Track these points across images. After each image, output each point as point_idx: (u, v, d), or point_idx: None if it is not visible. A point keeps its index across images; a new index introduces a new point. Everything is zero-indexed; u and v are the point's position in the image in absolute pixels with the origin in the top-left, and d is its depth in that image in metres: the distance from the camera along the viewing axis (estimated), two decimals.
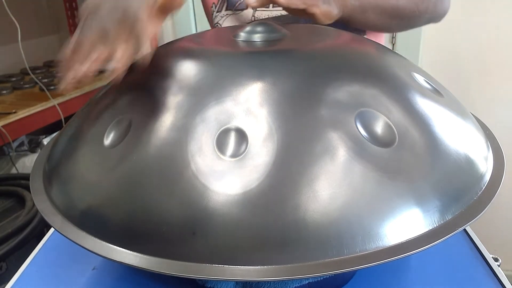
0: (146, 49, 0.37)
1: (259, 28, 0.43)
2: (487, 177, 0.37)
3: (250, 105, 0.34)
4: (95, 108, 0.41)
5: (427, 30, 1.29)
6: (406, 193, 0.31)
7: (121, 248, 0.32)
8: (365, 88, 0.36)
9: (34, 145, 1.54)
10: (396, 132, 0.34)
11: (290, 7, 0.49)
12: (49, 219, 0.35)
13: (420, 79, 0.41)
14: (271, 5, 0.67)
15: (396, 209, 0.31)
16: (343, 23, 0.57)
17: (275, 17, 0.67)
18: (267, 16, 0.68)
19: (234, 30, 0.45)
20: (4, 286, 0.45)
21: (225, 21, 0.70)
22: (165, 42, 0.50)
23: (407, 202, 0.31)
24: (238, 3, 0.68)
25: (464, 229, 0.51)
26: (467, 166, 0.36)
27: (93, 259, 0.47)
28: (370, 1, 0.58)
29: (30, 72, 1.48)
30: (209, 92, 0.35)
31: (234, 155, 0.31)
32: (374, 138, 0.33)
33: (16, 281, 0.46)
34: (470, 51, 1.38)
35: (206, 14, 0.76)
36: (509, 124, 1.39)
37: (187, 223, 0.30)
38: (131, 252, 0.31)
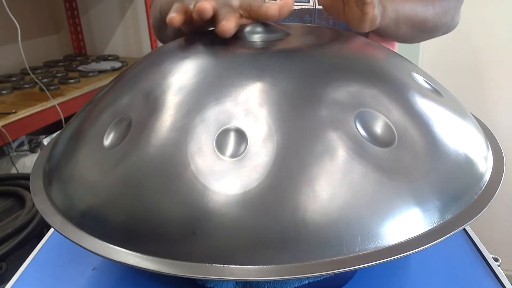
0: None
1: (259, 28, 0.43)
2: (486, 177, 0.37)
3: (250, 106, 0.34)
4: (95, 108, 0.41)
5: None
6: (406, 193, 0.31)
7: (121, 248, 0.32)
8: (364, 88, 0.36)
9: (34, 145, 1.54)
10: (395, 132, 0.34)
11: None
12: (49, 219, 0.35)
13: (419, 79, 0.41)
14: None
15: (395, 208, 0.31)
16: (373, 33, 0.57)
17: None
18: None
19: None
20: (4, 286, 0.45)
21: None
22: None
23: (406, 202, 0.31)
24: None
25: (464, 229, 0.51)
26: (467, 166, 0.36)
27: (93, 259, 0.47)
28: (404, 14, 0.58)
29: (30, 72, 1.48)
30: (208, 92, 0.35)
31: (233, 156, 0.31)
32: (373, 138, 0.33)
33: (16, 281, 0.46)
34: (470, 51, 1.39)
35: None
36: (509, 124, 1.40)
37: (186, 223, 0.30)
38: (131, 252, 0.31)
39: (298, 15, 0.67)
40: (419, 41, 0.69)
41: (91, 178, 0.35)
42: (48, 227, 0.44)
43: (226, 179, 0.31)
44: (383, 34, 0.60)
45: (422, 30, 0.64)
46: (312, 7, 0.67)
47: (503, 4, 1.32)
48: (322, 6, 0.52)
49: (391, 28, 0.57)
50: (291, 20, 0.68)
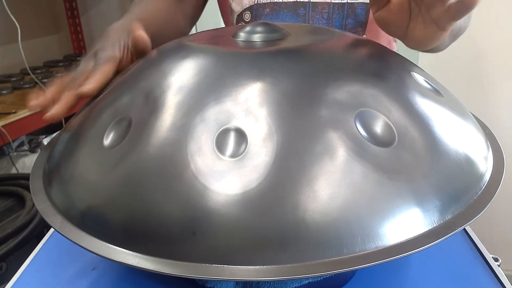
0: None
1: (259, 28, 0.43)
2: (487, 177, 0.37)
3: (250, 105, 0.34)
4: (95, 108, 0.41)
5: None
6: (406, 193, 0.31)
7: (121, 248, 0.32)
8: (364, 88, 0.36)
9: (34, 145, 1.54)
10: (395, 132, 0.34)
11: None
12: (49, 220, 0.35)
13: (420, 79, 0.41)
14: None
15: (395, 208, 0.31)
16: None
17: (276, 2, 0.68)
18: (268, 1, 0.68)
19: (233, 30, 0.45)
20: (4, 286, 0.45)
21: (234, 1, 0.71)
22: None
23: (406, 202, 0.31)
24: None
25: (464, 229, 0.51)
26: (467, 166, 0.36)
27: (93, 259, 0.47)
28: (455, 28, 0.52)
29: (30, 72, 1.48)
30: (208, 92, 0.35)
31: (233, 155, 0.31)
32: (373, 138, 0.33)
33: (16, 281, 0.46)
34: (470, 50, 1.39)
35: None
36: (509, 124, 1.40)
37: (186, 223, 0.30)
38: (131, 252, 0.31)
39: (293, 8, 0.68)
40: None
41: (91, 178, 0.35)
42: (48, 227, 0.43)
43: (226, 179, 0.31)
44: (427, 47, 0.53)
45: (454, 38, 0.60)
46: (307, 0, 0.67)
47: (504, 4, 1.32)
48: (376, 20, 0.46)
49: (440, 43, 0.50)
50: (285, 13, 0.68)
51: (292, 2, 0.67)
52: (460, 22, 0.56)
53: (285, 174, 0.30)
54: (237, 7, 0.71)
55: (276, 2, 0.68)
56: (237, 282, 0.40)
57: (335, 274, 0.31)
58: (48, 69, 1.72)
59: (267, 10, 0.68)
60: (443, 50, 0.62)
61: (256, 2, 0.69)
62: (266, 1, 0.68)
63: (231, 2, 0.72)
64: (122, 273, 0.46)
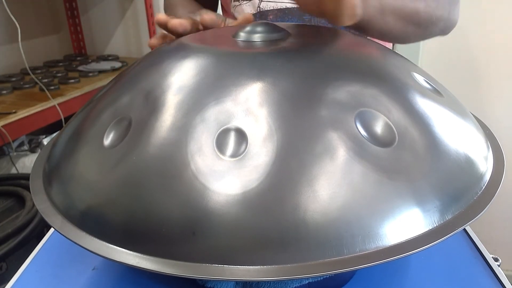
0: None
1: (259, 28, 0.43)
2: (487, 177, 0.37)
3: (250, 105, 0.34)
4: (95, 108, 0.41)
5: None
6: (406, 193, 0.31)
7: (121, 248, 0.32)
8: (365, 88, 0.36)
9: (34, 145, 1.54)
10: (396, 132, 0.34)
11: None
12: (49, 219, 0.35)
13: (420, 79, 0.41)
14: None
15: (396, 209, 0.31)
16: (357, 29, 0.52)
17: (280, 9, 0.67)
18: (272, 8, 0.68)
19: (234, 30, 0.45)
20: (4, 286, 0.45)
21: (235, 10, 0.71)
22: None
23: (406, 202, 0.31)
24: None
25: (464, 229, 0.51)
26: (467, 166, 0.36)
27: (93, 259, 0.47)
28: (389, 3, 0.53)
29: (30, 72, 1.48)
30: (209, 92, 0.35)
31: (234, 155, 0.31)
32: (374, 138, 0.33)
33: (16, 281, 0.46)
34: (470, 50, 1.39)
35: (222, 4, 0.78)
36: (509, 124, 1.40)
37: (186, 223, 0.30)
38: (131, 252, 0.31)
39: (298, 14, 0.67)
40: (416, 39, 0.62)
41: (91, 177, 0.35)
42: (48, 227, 0.44)
43: (226, 179, 0.31)
44: (370, 29, 0.53)
45: (415, 24, 0.58)
46: None
47: (503, 3, 1.32)
48: (297, 4, 0.46)
49: (378, 20, 0.51)
50: (290, 19, 0.68)
51: (297, 8, 0.67)
52: (404, 3, 0.55)
53: (285, 174, 0.30)
54: (232, 9, 0.71)
55: (280, 8, 0.67)
56: (237, 282, 0.40)
57: (335, 274, 0.31)
58: (48, 69, 1.72)
59: (271, 17, 0.68)
60: (410, 42, 0.63)
61: (259, 10, 0.69)
62: (269, 8, 0.68)
63: (233, 12, 0.72)
64: (122, 273, 0.46)
